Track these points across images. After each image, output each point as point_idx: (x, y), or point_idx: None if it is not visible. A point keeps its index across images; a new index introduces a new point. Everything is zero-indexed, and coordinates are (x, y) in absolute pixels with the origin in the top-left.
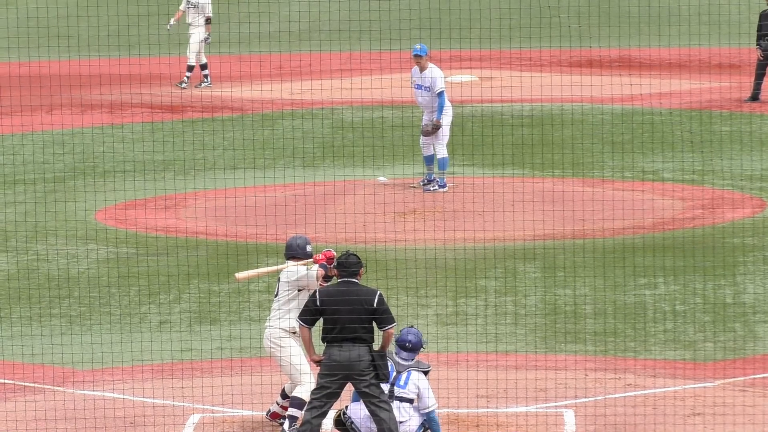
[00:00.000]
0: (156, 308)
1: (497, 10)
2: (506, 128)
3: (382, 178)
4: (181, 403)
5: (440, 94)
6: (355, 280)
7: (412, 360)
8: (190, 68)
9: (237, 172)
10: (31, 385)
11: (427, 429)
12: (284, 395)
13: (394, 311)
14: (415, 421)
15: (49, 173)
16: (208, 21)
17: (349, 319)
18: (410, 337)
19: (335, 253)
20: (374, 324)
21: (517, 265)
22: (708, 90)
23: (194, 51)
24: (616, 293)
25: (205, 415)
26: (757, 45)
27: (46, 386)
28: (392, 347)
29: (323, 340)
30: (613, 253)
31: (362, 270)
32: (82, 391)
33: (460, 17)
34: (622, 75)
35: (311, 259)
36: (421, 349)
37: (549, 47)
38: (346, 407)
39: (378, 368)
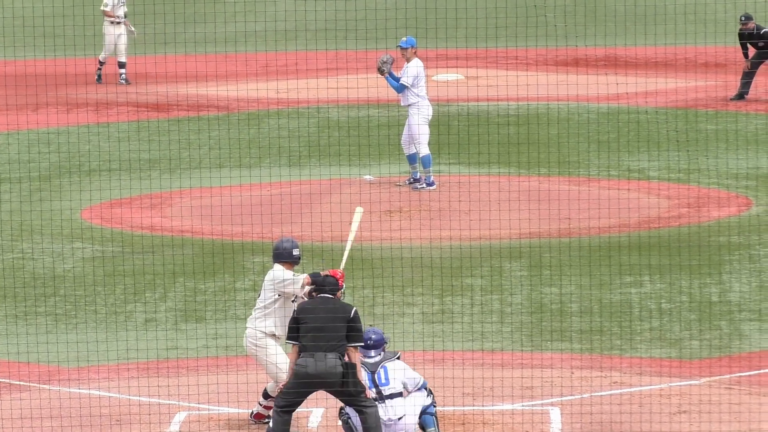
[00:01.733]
0: (142, 306)
1: (483, 9)
2: (492, 127)
3: (368, 177)
4: (167, 401)
5: (402, 86)
6: (332, 297)
7: (380, 356)
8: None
9: (223, 170)
10: (17, 383)
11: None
12: (266, 395)
13: (380, 309)
14: (411, 411)
15: (34, 172)
16: (125, 16)
17: (324, 328)
18: (372, 335)
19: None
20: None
21: (503, 263)
22: (694, 89)
23: (110, 51)
24: (602, 291)
25: (191, 412)
26: (745, 58)
27: (31, 384)
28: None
29: (299, 350)
30: (599, 251)
31: (339, 292)
32: (68, 389)
33: (446, 16)
34: (608, 74)
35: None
36: (385, 345)
37: (535, 46)
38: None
39: (348, 384)
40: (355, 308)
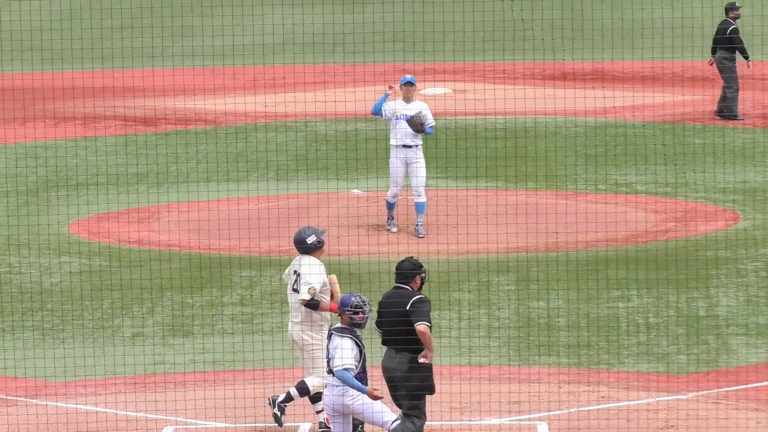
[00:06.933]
0: (129, 321)
1: (470, 23)
2: (480, 141)
3: (356, 191)
4: (155, 416)
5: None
6: (404, 286)
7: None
8: None
9: (210, 184)
10: (4, 397)
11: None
12: (313, 399)
13: (368, 323)
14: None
15: (22, 185)
16: None
17: (390, 322)
18: (351, 299)
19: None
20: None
21: (491, 277)
22: (681, 103)
23: None
24: (590, 306)
25: (177, 427)
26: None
27: (18, 398)
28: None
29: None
30: (586, 265)
31: (419, 278)
32: (55, 404)
33: (433, 30)
34: (595, 88)
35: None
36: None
37: (522, 60)
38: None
39: (415, 380)
40: (417, 296)
